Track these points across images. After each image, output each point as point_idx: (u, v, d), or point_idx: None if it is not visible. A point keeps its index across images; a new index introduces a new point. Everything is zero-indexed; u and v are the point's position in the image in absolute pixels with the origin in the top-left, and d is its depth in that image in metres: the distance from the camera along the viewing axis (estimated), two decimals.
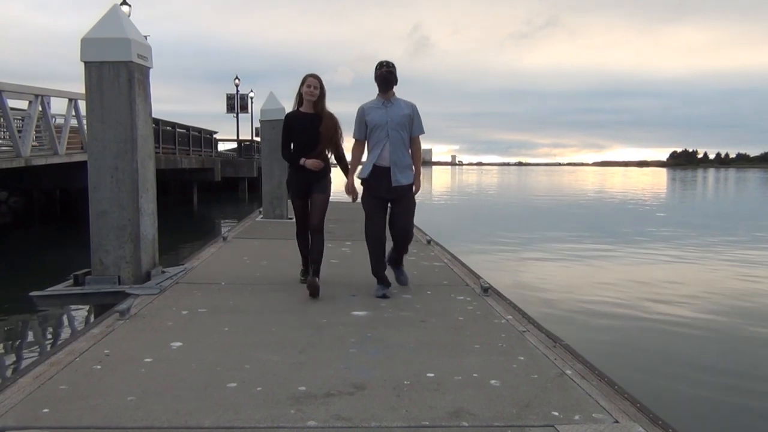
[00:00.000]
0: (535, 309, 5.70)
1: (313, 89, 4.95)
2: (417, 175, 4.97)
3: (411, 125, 4.89)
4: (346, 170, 5.17)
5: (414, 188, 4.96)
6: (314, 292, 4.75)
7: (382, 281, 4.94)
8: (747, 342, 6.63)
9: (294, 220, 5.37)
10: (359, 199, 5.09)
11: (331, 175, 5.19)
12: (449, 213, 24.05)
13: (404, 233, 5.00)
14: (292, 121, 5.05)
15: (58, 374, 3.04)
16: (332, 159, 5.21)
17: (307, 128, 4.94)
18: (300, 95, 5.01)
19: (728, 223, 19.90)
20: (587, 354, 3.55)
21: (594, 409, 2.72)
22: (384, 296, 4.80)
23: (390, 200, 4.89)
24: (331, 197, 5.21)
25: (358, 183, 5.04)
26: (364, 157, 5.03)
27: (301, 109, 5.04)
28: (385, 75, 4.81)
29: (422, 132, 4.98)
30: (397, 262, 5.22)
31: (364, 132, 4.90)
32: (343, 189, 5.11)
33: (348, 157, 5.23)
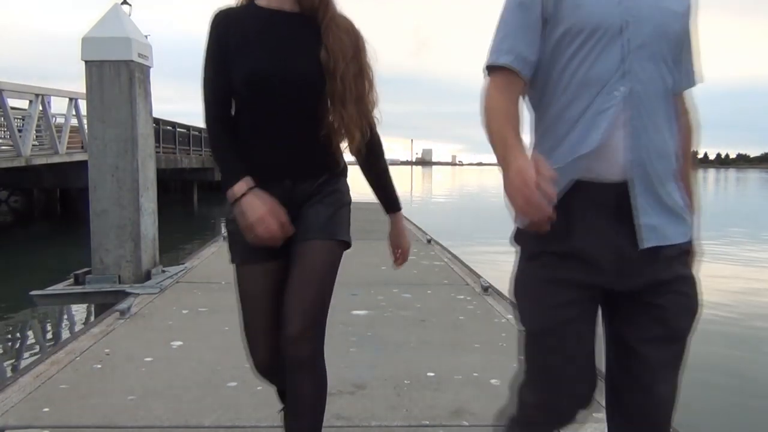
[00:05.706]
0: None
1: None
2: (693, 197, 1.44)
3: (689, 47, 1.38)
4: (387, 178, 1.88)
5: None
6: None
7: None
8: (748, 342, 6.62)
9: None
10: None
11: (348, 181, 1.83)
12: (449, 212, 24.04)
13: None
14: (229, 29, 1.64)
15: (58, 373, 3.04)
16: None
17: (276, 46, 1.64)
18: None
19: (730, 223, 19.89)
20: None
21: (594, 408, 2.71)
22: None
23: (608, 292, 1.39)
24: None
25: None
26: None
27: (256, 1, 1.68)
28: None
29: (699, 80, 1.44)
30: None
31: (536, 42, 1.29)
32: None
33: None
